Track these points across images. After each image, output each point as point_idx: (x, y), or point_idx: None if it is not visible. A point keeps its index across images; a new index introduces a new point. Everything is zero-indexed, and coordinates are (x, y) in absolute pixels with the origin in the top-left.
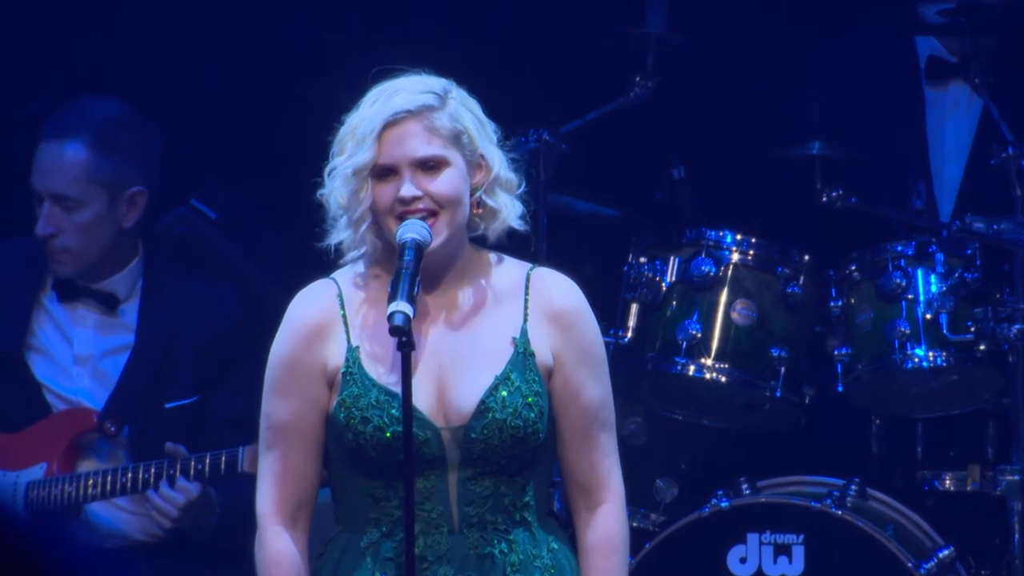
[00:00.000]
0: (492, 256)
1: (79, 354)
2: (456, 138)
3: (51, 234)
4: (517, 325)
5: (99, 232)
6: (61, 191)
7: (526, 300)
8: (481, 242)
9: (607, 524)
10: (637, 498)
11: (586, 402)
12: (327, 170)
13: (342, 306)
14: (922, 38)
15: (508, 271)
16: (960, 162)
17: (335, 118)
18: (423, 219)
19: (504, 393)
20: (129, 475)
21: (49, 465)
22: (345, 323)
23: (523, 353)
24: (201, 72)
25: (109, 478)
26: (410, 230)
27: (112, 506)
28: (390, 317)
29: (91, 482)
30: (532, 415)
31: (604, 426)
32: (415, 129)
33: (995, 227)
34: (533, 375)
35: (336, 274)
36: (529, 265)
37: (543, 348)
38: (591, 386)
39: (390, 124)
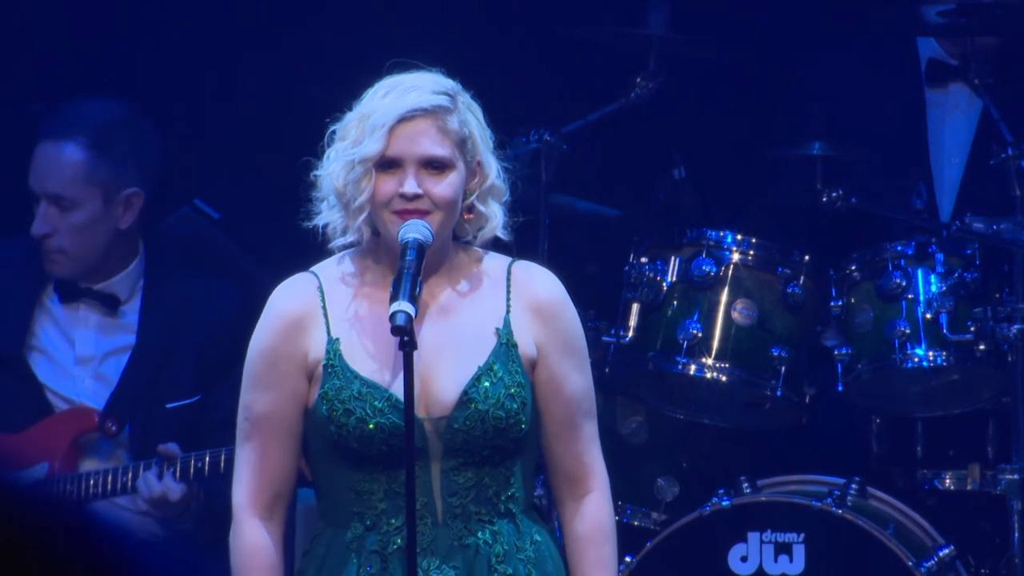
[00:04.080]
0: (474, 250)
1: (80, 355)
2: (462, 143)
3: (46, 234)
4: (500, 316)
5: (94, 233)
6: (57, 191)
7: (508, 292)
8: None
9: (596, 513)
10: (638, 497)
11: (570, 393)
12: (327, 153)
13: (322, 298)
14: (922, 40)
15: (489, 264)
16: (960, 162)
17: (336, 117)
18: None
19: (487, 384)
20: (130, 474)
21: (51, 465)
22: (325, 315)
23: (506, 344)
24: (203, 72)
25: (110, 477)
26: (412, 230)
27: (113, 505)
28: (392, 317)
29: (92, 481)
30: (515, 406)
31: (588, 416)
32: (427, 128)
33: (995, 227)
34: (516, 366)
35: (316, 267)
36: (509, 259)
37: (526, 339)
38: (575, 377)
39: (404, 119)
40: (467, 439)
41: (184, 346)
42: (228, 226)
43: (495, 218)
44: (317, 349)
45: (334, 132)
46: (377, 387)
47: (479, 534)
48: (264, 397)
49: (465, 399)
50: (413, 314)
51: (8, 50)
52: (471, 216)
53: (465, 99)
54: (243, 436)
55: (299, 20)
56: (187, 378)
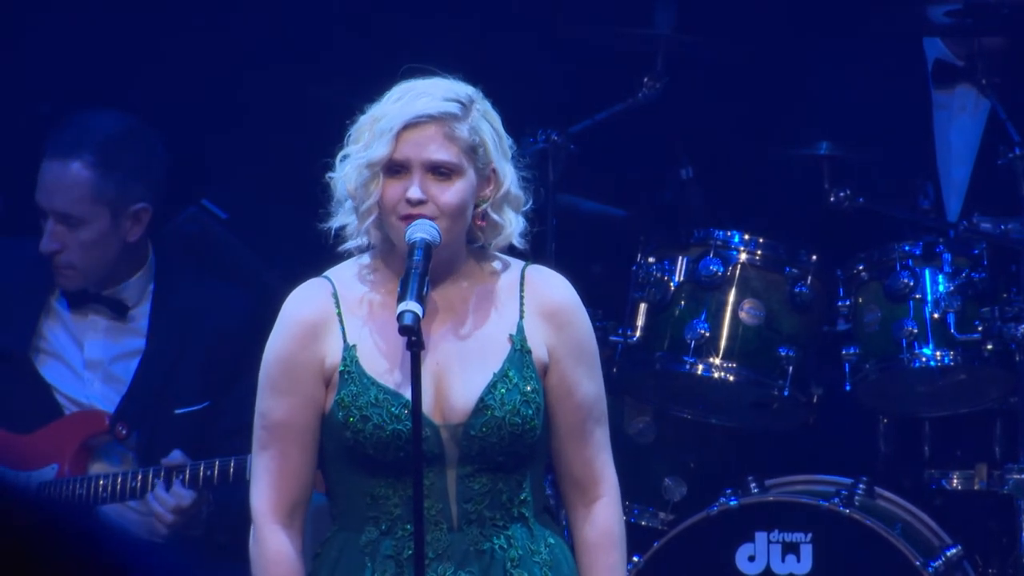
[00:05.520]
0: (487, 255)
1: (89, 359)
2: (472, 150)
3: (55, 251)
4: (514, 322)
5: (102, 248)
6: (64, 210)
7: (521, 297)
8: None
9: (606, 519)
10: (646, 497)
11: (581, 398)
12: (340, 155)
13: (337, 304)
14: (929, 41)
15: (503, 269)
16: (967, 163)
17: (344, 118)
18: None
19: (502, 390)
20: (139, 479)
21: (60, 467)
22: (341, 321)
23: (520, 350)
24: (211, 73)
25: (119, 481)
26: (419, 230)
27: (121, 506)
28: (399, 316)
29: (102, 484)
30: (530, 412)
31: (598, 421)
32: (434, 134)
33: (1002, 227)
34: (530, 372)
35: (330, 272)
36: (523, 263)
37: (539, 345)
38: (586, 382)
39: (411, 125)
40: (483, 446)
41: (193, 350)
42: (235, 226)
43: (510, 226)
44: (333, 355)
45: (350, 135)
46: (393, 393)
47: (494, 539)
48: (281, 404)
49: (481, 406)
50: (420, 314)
51: (16, 51)
52: (484, 224)
53: (482, 107)
54: (261, 444)
55: (311, 21)
56: (196, 383)
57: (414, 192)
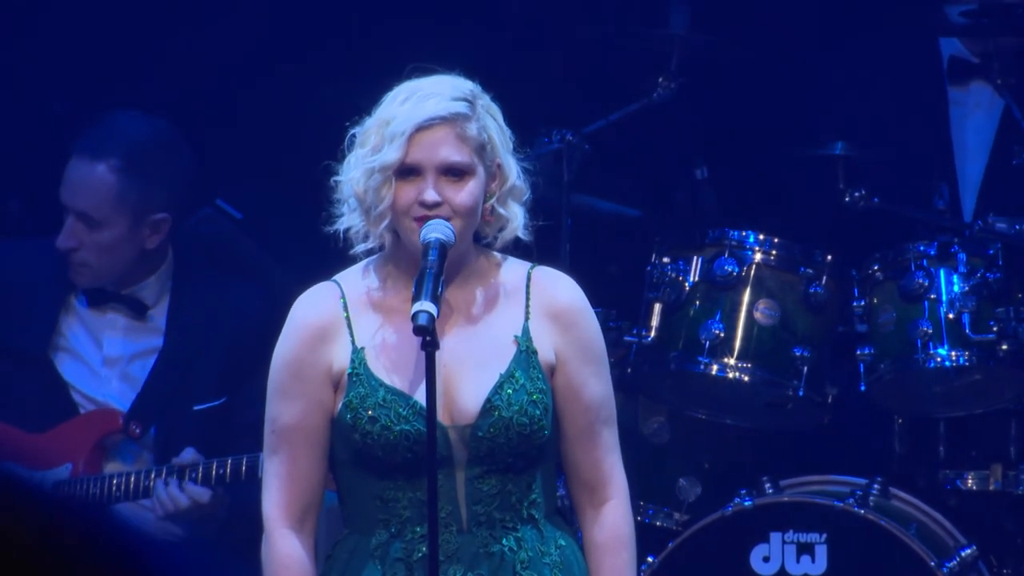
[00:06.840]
0: (494, 256)
1: (108, 356)
2: (481, 148)
3: (72, 248)
4: (519, 324)
5: (119, 252)
6: (85, 210)
7: (527, 299)
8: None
9: (614, 521)
10: (660, 497)
11: (588, 399)
12: (347, 158)
13: (345, 308)
14: (945, 38)
15: (509, 270)
16: (982, 162)
17: (356, 120)
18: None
19: (509, 391)
20: (152, 477)
21: (75, 466)
22: (349, 324)
23: (526, 351)
24: (223, 74)
25: (133, 480)
26: (434, 230)
27: (136, 505)
28: (414, 317)
29: (116, 483)
30: (537, 412)
31: (607, 422)
32: (446, 136)
33: (1017, 227)
34: (537, 372)
35: (339, 276)
36: (529, 264)
37: (545, 346)
38: (593, 383)
39: (423, 127)
40: (492, 447)
41: (210, 348)
42: (249, 226)
43: (515, 219)
44: (341, 359)
45: (354, 136)
46: (401, 395)
47: (504, 541)
48: (290, 408)
49: (488, 407)
50: (435, 314)
51: (30, 51)
52: (491, 218)
53: (484, 102)
54: (271, 448)
55: (320, 21)
56: (213, 380)
57: (430, 195)
